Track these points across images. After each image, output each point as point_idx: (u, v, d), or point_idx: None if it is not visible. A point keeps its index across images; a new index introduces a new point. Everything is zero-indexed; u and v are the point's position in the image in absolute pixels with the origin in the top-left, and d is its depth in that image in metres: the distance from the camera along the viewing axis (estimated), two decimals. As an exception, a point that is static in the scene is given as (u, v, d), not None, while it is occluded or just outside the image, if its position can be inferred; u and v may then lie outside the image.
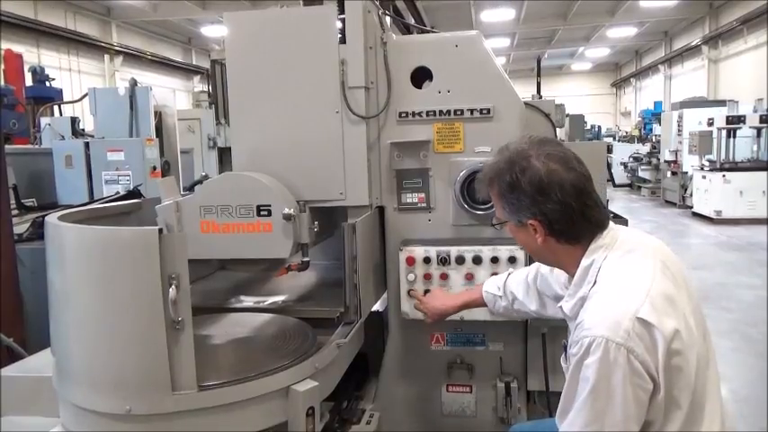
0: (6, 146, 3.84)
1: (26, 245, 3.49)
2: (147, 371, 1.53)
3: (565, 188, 1.44)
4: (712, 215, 10.93)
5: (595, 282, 1.44)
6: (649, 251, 1.49)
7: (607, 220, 1.53)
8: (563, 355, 1.61)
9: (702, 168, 11.55)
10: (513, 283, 2.03)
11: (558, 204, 1.45)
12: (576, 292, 1.50)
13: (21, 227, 3.76)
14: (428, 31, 2.75)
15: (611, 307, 1.35)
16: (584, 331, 1.33)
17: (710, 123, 11.66)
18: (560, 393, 2.41)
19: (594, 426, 1.31)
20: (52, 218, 1.75)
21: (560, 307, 1.58)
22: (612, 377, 1.27)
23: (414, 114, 2.41)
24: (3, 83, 7.51)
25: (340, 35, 2.30)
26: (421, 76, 2.42)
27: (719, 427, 1.39)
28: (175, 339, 1.51)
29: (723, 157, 11.20)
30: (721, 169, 10.98)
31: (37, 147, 6.42)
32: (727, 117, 11.25)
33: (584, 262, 1.48)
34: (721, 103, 13.43)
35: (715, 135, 11.47)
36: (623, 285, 1.39)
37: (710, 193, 11.04)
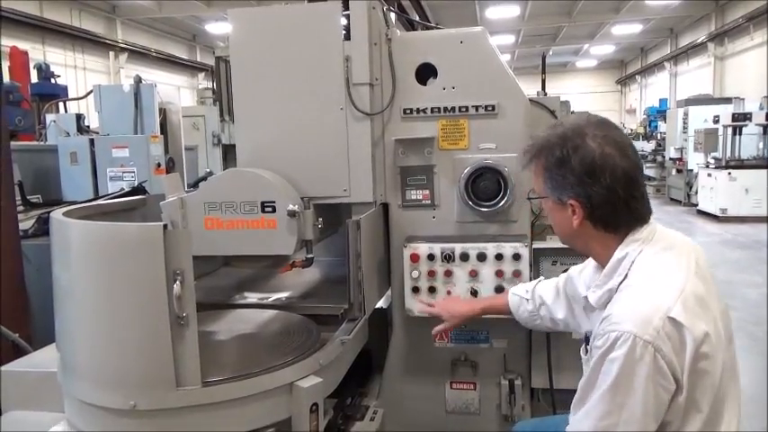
0: (12, 142, 3.84)
1: (31, 241, 3.49)
2: (152, 366, 1.53)
3: (616, 174, 1.40)
4: (717, 213, 10.89)
5: (626, 276, 1.41)
6: (684, 251, 1.46)
7: (649, 214, 1.49)
8: (582, 346, 1.60)
9: (708, 166, 11.51)
10: (543, 288, 1.98)
11: (605, 189, 1.41)
12: (605, 284, 1.46)
13: (26, 223, 3.77)
14: (432, 28, 2.73)
15: (643, 303, 1.32)
16: (612, 325, 1.31)
17: (716, 121, 11.60)
18: (564, 391, 2.44)
19: (610, 419, 1.29)
20: (57, 214, 1.75)
21: (585, 297, 1.55)
22: (636, 374, 1.26)
23: (418, 111, 2.41)
24: (8, 80, 7.52)
25: (344, 31, 2.30)
26: (426, 73, 2.42)
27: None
28: (180, 335, 1.52)
29: (729, 154, 11.16)
30: (727, 167, 10.94)
31: (42, 143, 6.43)
32: (733, 114, 11.18)
33: (618, 254, 1.45)
34: (727, 100, 13.36)
35: (721, 132, 11.42)
36: (657, 282, 1.36)
37: (716, 190, 11.00)
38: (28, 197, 4.83)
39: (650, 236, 1.45)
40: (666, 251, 1.43)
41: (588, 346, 1.54)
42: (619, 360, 1.27)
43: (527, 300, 2.00)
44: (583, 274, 1.77)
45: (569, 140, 1.44)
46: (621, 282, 1.42)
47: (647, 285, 1.36)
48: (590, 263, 1.74)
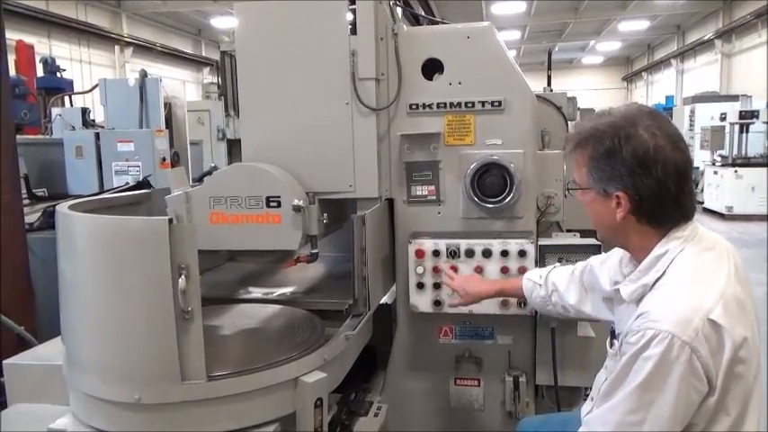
0: (18, 136, 3.85)
1: (37, 234, 3.51)
2: (157, 360, 1.53)
3: (668, 167, 1.36)
4: (723, 211, 10.84)
5: (664, 273, 1.38)
6: (724, 252, 1.44)
7: (694, 211, 1.46)
8: (609, 339, 1.58)
9: (714, 164, 11.45)
10: (556, 275, 1.98)
11: (656, 183, 1.37)
12: (640, 278, 1.43)
13: (32, 216, 3.79)
14: (438, 23, 2.72)
15: (683, 303, 1.29)
16: (650, 323, 1.28)
17: (723, 118, 11.56)
18: (569, 388, 2.42)
19: (636, 415, 1.27)
20: (63, 207, 1.75)
21: (617, 289, 1.52)
22: (670, 374, 1.24)
23: (424, 106, 2.39)
24: (14, 73, 7.54)
25: (351, 26, 2.28)
26: (432, 68, 2.41)
27: None
28: (185, 329, 1.52)
29: (735, 152, 11.09)
30: (733, 165, 10.89)
31: (48, 137, 6.45)
32: (740, 112, 11.12)
33: (658, 250, 1.41)
34: (734, 97, 13.27)
35: (727, 130, 11.36)
36: (698, 283, 1.34)
37: (722, 188, 10.95)
38: (33, 190, 4.86)
39: (693, 234, 1.42)
40: (708, 252, 1.41)
41: (614, 340, 1.52)
42: (653, 359, 1.25)
43: (540, 285, 2.00)
44: (606, 265, 1.75)
45: (621, 130, 1.39)
46: (658, 279, 1.39)
47: (688, 285, 1.34)
48: (613, 254, 1.72)
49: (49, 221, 3.61)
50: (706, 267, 1.37)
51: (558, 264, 2.11)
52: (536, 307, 2.07)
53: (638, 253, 1.49)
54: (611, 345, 1.53)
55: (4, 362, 2.06)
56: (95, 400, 1.60)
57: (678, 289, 1.34)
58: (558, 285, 1.95)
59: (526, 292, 2.05)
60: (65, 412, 1.73)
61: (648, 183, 1.37)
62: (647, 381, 1.26)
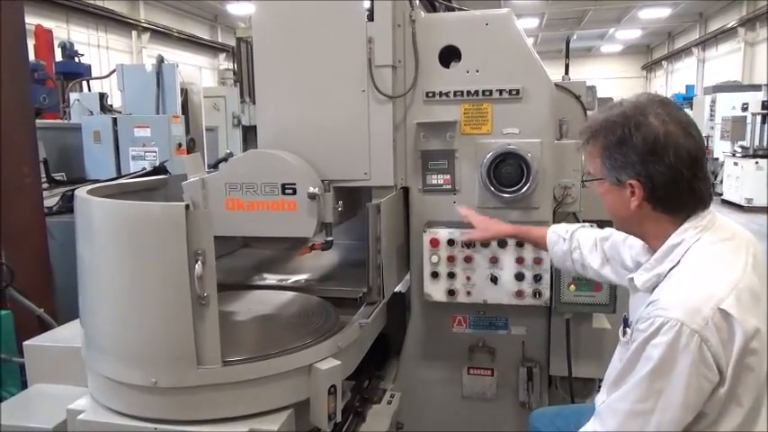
0: (37, 120, 3.89)
1: (56, 218, 3.55)
2: (173, 345, 1.55)
3: (680, 153, 1.35)
4: (743, 203, 10.66)
5: (679, 262, 1.38)
6: (743, 243, 1.41)
7: (710, 198, 1.44)
8: (621, 328, 1.57)
9: (734, 155, 11.25)
10: (583, 234, 1.98)
11: (669, 169, 1.36)
12: (655, 268, 1.43)
13: (51, 200, 3.83)
14: (456, 10, 2.68)
15: (694, 292, 1.29)
16: (659, 311, 1.28)
17: (744, 108, 11.33)
18: (583, 379, 2.41)
19: (646, 404, 1.27)
20: (81, 192, 1.77)
21: (631, 278, 1.52)
22: (679, 361, 1.23)
23: (441, 94, 2.37)
24: (33, 58, 7.61)
25: (368, 12, 2.26)
26: (449, 56, 2.38)
27: None
28: (201, 315, 1.53)
29: (757, 143, 10.88)
30: (754, 156, 10.69)
31: (66, 122, 6.52)
32: (763, 102, 10.89)
33: (674, 239, 1.40)
34: (757, 87, 13.00)
35: (749, 121, 11.14)
36: (711, 272, 1.33)
37: (742, 180, 10.76)
38: (52, 174, 4.91)
39: (710, 224, 1.41)
40: (725, 242, 1.39)
41: (627, 329, 1.51)
42: (661, 346, 1.24)
43: (564, 239, 2.00)
44: (628, 242, 1.74)
45: (631, 119, 1.39)
46: (672, 268, 1.38)
47: (701, 275, 1.33)
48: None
49: (67, 205, 3.65)
50: (721, 257, 1.36)
51: (586, 224, 2.10)
52: (555, 259, 2.07)
53: (653, 242, 1.48)
54: (624, 333, 1.53)
55: (24, 343, 2.10)
56: (113, 382, 1.62)
57: (691, 278, 1.33)
58: (582, 245, 1.95)
59: (549, 244, 2.05)
60: (83, 394, 1.76)
61: (661, 169, 1.37)
62: (657, 368, 1.26)
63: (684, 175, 1.37)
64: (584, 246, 1.94)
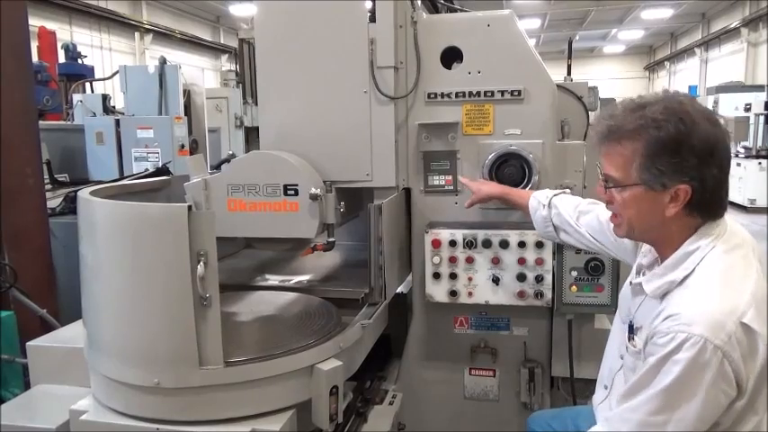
0: (40, 121, 3.90)
1: (59, 219, 3.56)
2: (176, 345, 1.56)
3: (727, 155, 1.27)
4: (746, 204, 10.65)
5: (693, 271, 1.31)
6: (750, 248, 1.37)
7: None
8: (626, 334, 1.52)
9: (737, 155, 11.22)
10: (560, 201, 1.97)
11: (719, 170, 1.26)
12: (666, 275, 1.36)
13: (54, 201, 3.84)
14: (458, 11, 2.69)
15: (715, 305, 1.24)
16: (681, 326, 1.22)
17: (747, 109, 11.30)
18: (585, 380, 2.41)
19: (660, 416, 1.24)
20: (84, 193, 1.78)
21: (639, 283, 1.46)
22: (700, 378, 1.20)
23: (443, 95, 2.38)
24: (37, 59, 7.62)
25: (370, 13, 2.27)
26: (451, 57, 2.38)
27: None
28: (203, 315, 1.53)
29: (760, 144, 10.86)
30: (757, 156, 10.68)
31: (69, 123, 6.52)
32: (766, 102, 10.90)
33: (689, 246, 1.33)
34: (759, 88, 12.97)
35: (752, 121, 11.12)
36: (729, 283, 1.28)
37: (745, 180, 10.75)
38: (55, 176, 4.92)
39: (723, 231, 1.35)
40: (737, 249, 1.34)
41: (632, 335, 1.47)
42: (684, 362, 1.20)
43: (543, 206, 2.01)
44: (611, 228, 1.56)
45: (682, 115, 1.25)
46: (686, 276, 1.32)
47: (719, 286, 1.28)
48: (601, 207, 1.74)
49: (70, 206, 3.66)
50: (736, 267, 1.31)
51: (567, 190, 2.12)
52: (537, 226, 2.08)
53: (665, 248, 1.40)
54: (630, 339, 1.50)
55: (27, 344, 2.10)
56: (115, 383, 1.63)
57: (709, 290, 1.28)
58: (560, 210, 1.95)
59: (531, 210, 2.07)
60: (86, 394, 1.77)
61: (713, 172, 1.27)
62: (675, 384, 1.22)
63: (726, 177, 1.31)
64: (564, 212, 1.94)
